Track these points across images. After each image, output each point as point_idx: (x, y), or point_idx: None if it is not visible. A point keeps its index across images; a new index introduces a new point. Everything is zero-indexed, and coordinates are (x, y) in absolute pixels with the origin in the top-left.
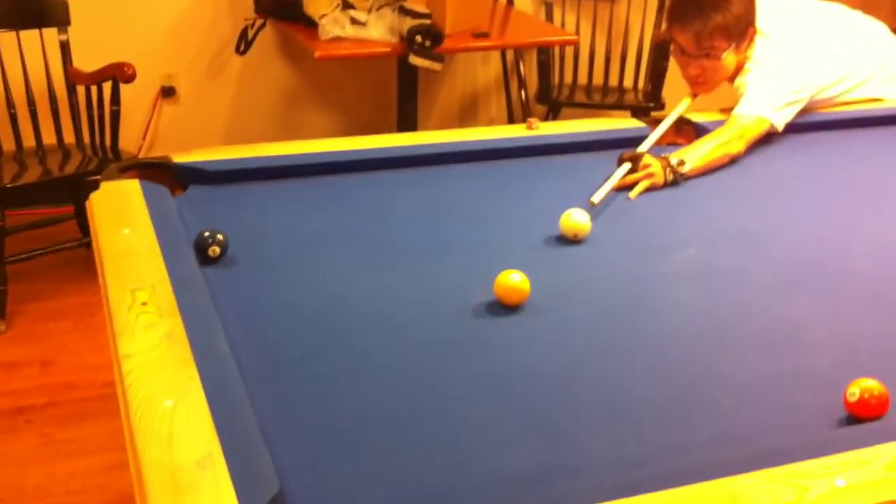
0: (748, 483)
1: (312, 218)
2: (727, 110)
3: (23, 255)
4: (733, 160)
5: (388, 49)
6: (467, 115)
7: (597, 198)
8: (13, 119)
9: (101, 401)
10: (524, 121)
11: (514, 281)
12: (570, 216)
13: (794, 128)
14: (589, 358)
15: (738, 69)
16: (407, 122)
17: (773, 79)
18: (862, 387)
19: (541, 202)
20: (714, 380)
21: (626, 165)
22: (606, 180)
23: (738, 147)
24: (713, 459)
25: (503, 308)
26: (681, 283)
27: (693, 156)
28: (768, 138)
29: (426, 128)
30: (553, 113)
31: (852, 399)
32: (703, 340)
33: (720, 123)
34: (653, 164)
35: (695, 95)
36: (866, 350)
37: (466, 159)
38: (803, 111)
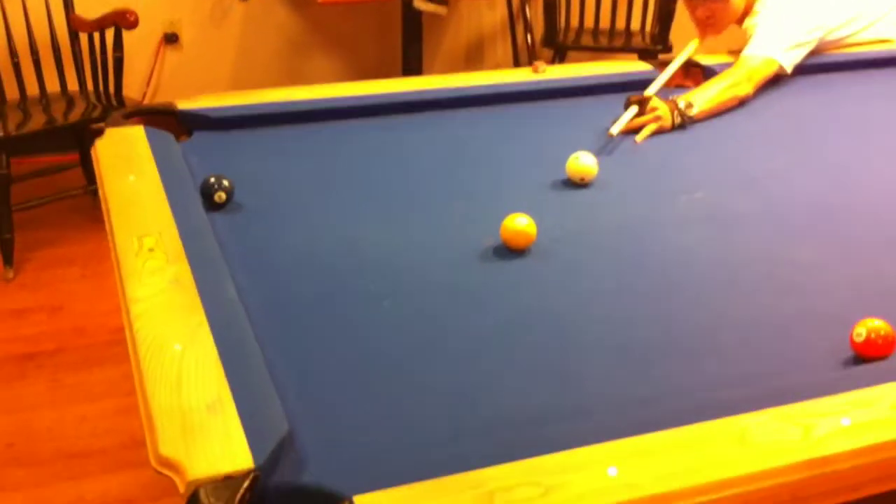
0: (756, 421)
1: (318, 163)
2: (736, 52)
3: (29, 203)
4: (742, 102)
5: None
6: (473, 59)
7: (616, 129)
8: (16, 67)
9: (110, 346)
10: (530, 65)
11: (520, 224)
12: (577, 159)
13: (802, 69)
14: (596, 301)
15: (747, 11)
16: (412, 68)
17: (782, 20)
18: (868, 327)
19: (547, 146)
20: (721, 322)
21: (634, 108)
22: (624, 113)
23: (746, 89)
24: (721, 399)
25: (510, 252)
26: (689, 227)
27: (701, 98)
28: (777, 80)
29: (431, 73)
30: (559, 56)
31: (859, 339)
32: (711, 283)
33: (728, 65)
34: (660, 107)
35: (703, 38)
36: (873, 291)
37: (472, 104)
38: (812, 53)
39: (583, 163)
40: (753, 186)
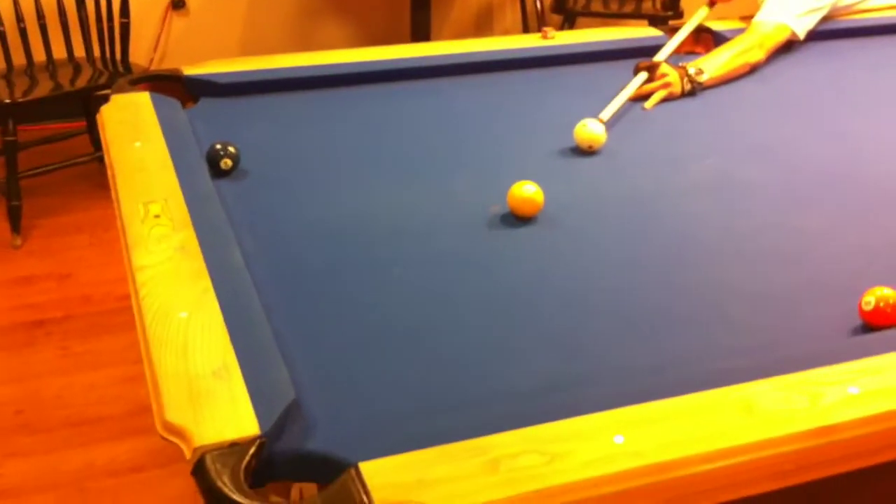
0: (762, 390)
1: (325, 130)
2: (747, 18)
3: (36, 170)
4: (753, 69)
5: None
6: (482, 25)
7: (605, 115)
8: (23, 33)
9: (118, 314)
10: (539, 31)
11: (527, 192)
12: (584, 126)
13: (815, 36)
14: (603, 270)
15: None
16: (420, 33)
17: None
18: (877, 295)
19: (556, 113)
20: (729, 291)
21: (643, 75)
22: (617, 95)
23: (758, 55)
24: (727, 368)
25: (517, 220)
26: (697, 195)
27: (711, 65)
28: (789, 46)
29: (440, 38)
30: (569, 23)
31: (867, 308)
32: (719, 252)
33: (740, 32)
34: (670, 74)
35: (713, 4)
36: (883, 260)
37: (481, 70)
38: (824, 19)
39: (591, 130)
40: (763, 154)
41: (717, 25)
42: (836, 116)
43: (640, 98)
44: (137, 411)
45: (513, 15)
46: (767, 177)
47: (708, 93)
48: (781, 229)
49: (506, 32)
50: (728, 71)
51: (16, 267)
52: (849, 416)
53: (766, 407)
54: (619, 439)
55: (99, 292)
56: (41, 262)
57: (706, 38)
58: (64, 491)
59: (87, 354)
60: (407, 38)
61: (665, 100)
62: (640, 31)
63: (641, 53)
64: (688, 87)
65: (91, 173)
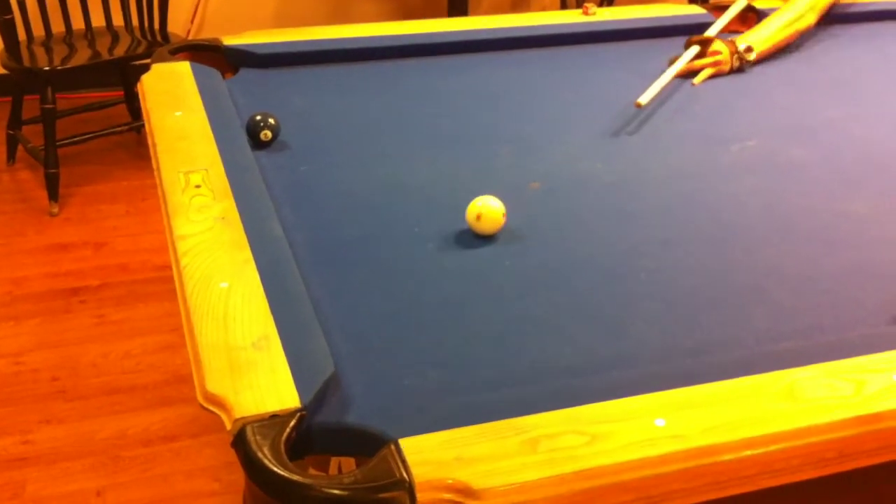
0: (806, 376)
1: (363, 103)
2: None
3: (74, 139)
4: (803, 34)
5: None
6: (519, 0)
7: (644, 99)
8: (62, 1)
9: (154, 283)
10: (578, 7)
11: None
12: (476, 202)
13: (862, 17)
14: (644, 249)
15: None
16: (457, 8)
17: None
18: None
19: (597, 89)
20: (772, 274)
21: (694, 49)
22: (664, 72)
23: (809, 20)
24: (770, 352)
25: (557, 196)
26: (740, 176)
27: (761, 36)
28: (833, 29)
29: (477, 12)
30: None
31: None
32: (762, 234)
33: None
34: (723, 51)
35: None
36: None
37: (521, 45)
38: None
39: (484, 204)
40: (808, 135)
41: (763, 4)
42: (883, 99)
43: (687, 74)
44: (172, 381)
45: None
46: (813, 158)
47: (754, 72)
48: (825, 212)
49: (543, 8)
50: (778, 41)
51: (52, 234)
52: (893, 405)
53: (809, 393)
54: (660, 422)
55: (135, 261)
56: (77, 230)
57: (752, 18)
58: (97, 458)
59: (123, 323)
60: (444, 11)
61: (714, 76)
62: (681, 9)
63: (683, 31)
64: (737, 63)
65: (128, 142)
